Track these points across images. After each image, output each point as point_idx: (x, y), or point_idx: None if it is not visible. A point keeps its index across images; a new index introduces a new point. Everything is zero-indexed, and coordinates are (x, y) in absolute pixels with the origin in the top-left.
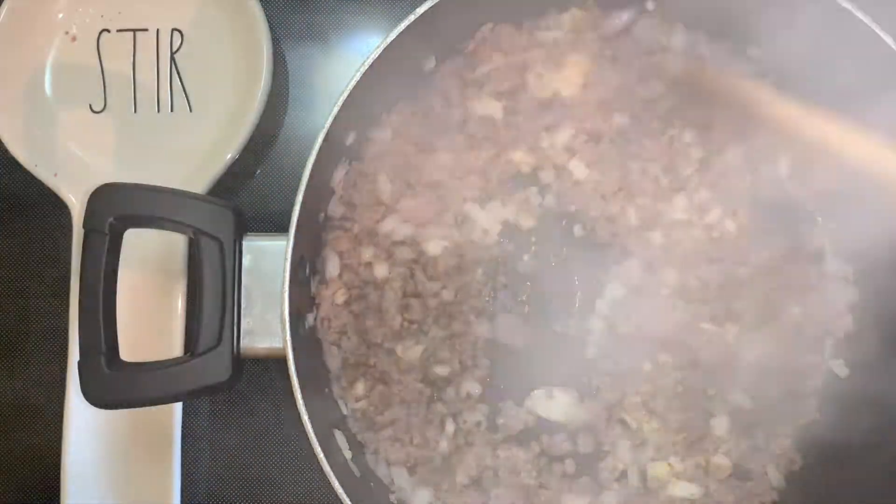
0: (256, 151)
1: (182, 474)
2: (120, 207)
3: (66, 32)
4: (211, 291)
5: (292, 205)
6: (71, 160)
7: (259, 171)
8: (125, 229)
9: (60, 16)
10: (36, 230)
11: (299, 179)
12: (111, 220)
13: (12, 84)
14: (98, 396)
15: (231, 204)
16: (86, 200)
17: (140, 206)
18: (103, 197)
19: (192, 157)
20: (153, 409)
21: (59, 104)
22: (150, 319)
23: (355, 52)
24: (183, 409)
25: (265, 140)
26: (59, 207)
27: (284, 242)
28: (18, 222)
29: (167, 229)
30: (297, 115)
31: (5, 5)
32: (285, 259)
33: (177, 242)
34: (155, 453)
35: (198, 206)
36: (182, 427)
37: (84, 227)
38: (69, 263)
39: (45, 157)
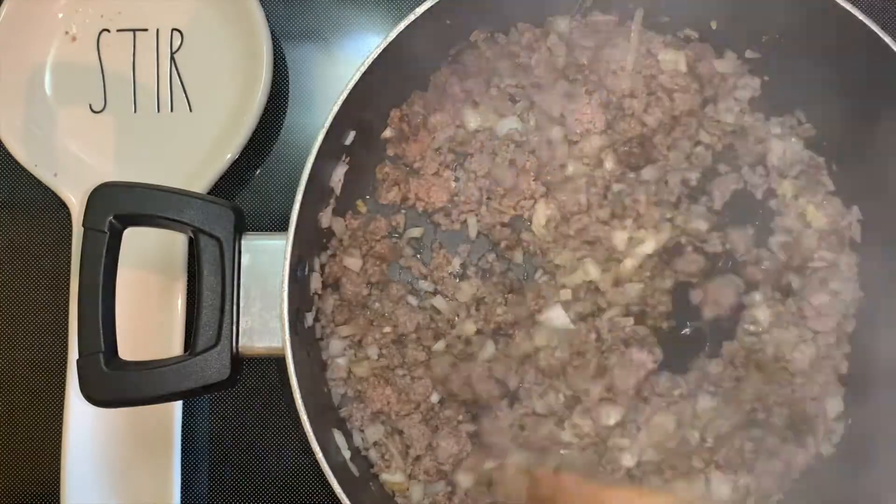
0: (256, 151)
1: (182, 474)
2: (119, 206)
3: (66, 32)
4: (210, 291)
5: (292, 204)
6: (70, 160)
7: (259, 170)
8: (125, 228)
9: (60, 16)
10: (36, 230)
11: (299, 179)
12: (110, 219)
13: (12, 84)
14: (97, 395)
15: (230, 203)
16: (85, 200)
17: (139, 205)
18: (103, 196)
19: (192, 157)
20: (153, 408)
21: (58, 104)
22: (149, 318)
23: (355, 52)
24: (183, 408)
25: (265, 140)
26: (58, 207)
27: (283, 242)
28: (18, 222)
29: (167, 228)
30: (296, 115)
31: (5, 5)
32: (284, 258)
33: (177, 241)
34: (155, 453)
35: (197, 206)
36: (182, 426)
37: (83, 225)
38: (69, 263)
39: (45, 157)
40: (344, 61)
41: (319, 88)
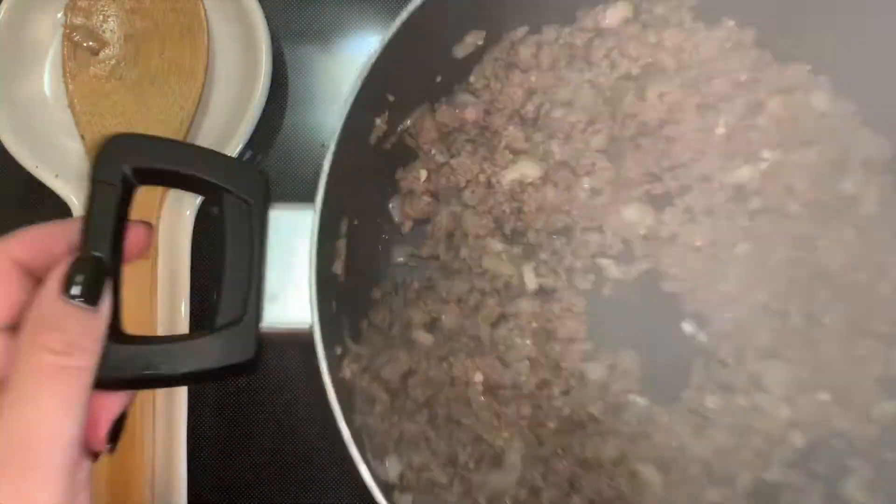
0: (256, 151)
1: None
2: (136, 158)
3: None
4: (235, 261)
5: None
6: (72, 160)
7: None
8: (138, 184)
9: (59, 15)
10: None
11: (299, 178)
12: (125, 170)
13: (12, 84)
14: (98, 373)
15: (259, 168)
16: None
17: (159, 158)
18: (117, 146)
19: None
20: None
21: (58, 104)
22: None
23: (355, 51)
24: None
25: (264, 140)
26: (60, 208)
27: (310, 213)
28: (21, 223)
29: (187, 188)
30: (296, 114)
31: (5, 4)
32: (312, 232)
33: (183, 223)
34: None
35: (224, 164)
36: None
37: (91, 177)
38: None
39: (46, 158)
40: (343, 60)
41: (319, 88)
